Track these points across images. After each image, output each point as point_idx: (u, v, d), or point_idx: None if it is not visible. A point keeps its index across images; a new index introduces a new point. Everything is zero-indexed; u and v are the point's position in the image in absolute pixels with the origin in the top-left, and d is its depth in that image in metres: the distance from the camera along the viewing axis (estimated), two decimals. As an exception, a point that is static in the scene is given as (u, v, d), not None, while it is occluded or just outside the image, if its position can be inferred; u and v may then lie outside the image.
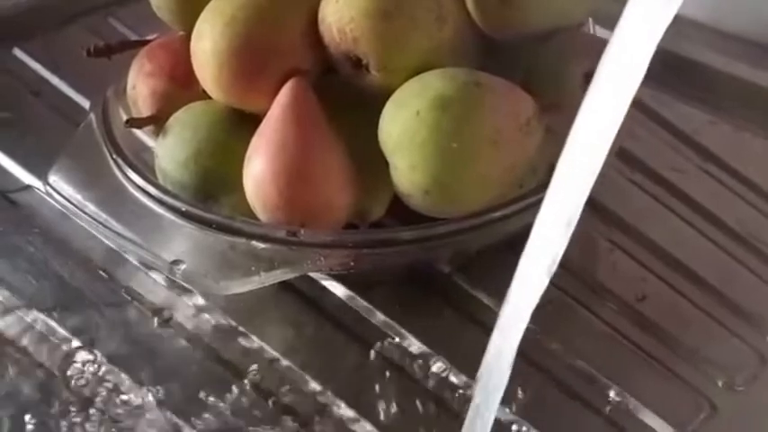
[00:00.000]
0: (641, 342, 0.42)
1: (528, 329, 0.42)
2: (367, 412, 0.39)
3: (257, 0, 0.40)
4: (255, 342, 0.42)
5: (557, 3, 0.43)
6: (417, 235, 0.39)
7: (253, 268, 0.37)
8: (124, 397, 0.40)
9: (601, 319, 0.43)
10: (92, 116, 0.45)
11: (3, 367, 0.40)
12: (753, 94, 0.57)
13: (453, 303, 0.44)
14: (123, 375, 0.40)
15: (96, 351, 0.41)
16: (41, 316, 0.43)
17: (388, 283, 0.44)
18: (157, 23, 0.46)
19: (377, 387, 0.40)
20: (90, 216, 0.40)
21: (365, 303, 0.43)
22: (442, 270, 0.45)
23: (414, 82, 0.39)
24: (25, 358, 0.41)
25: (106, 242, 0.43)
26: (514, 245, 0.45)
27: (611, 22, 0.48)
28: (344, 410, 0.39)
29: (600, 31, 0.47)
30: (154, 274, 0.44)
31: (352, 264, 0.39)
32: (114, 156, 0.43)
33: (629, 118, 0.26)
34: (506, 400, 0.35)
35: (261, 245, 0.38)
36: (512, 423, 0.38)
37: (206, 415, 0.39)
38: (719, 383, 0.40)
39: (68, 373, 0.40)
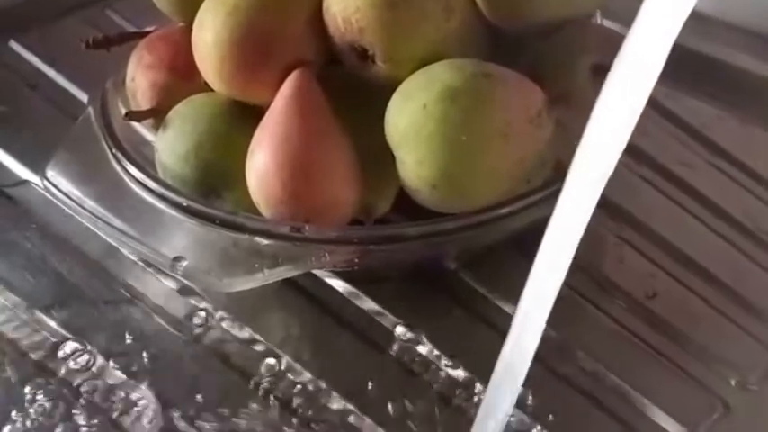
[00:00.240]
0: (652, 340, 0.41)
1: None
2: (372, 411, 0.38)
3: (260, -11, 0.39)
4: (257, 339, 0.41)
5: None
6: (424, 231, 0.38)
7: (256, 265, 0.37)
8: (122, 395, 0.39)
9: (610, 317, 0.43)
10: (90, 109, 0.44)
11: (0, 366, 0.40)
12: (760, 87, 0.56)
13: (460, 301, 0.43)
14: (121, 374, 0.39)
15: (95, 349, 0.40)
16: (39, 313, 0.42)
17: (394, 280, 0.44)
18: (155, 15, 0.45)
19: (383, 385, 0.39)
20: (89, 212, 0.40)
21: (370, 301, 0.42)
22: (449, 267, 0.44)
23: (421, 74, 0.38)
24: (23, 357, 0.40)
25: (105, 238, 0.42)
26: (521, 241, 0.44)
27: (617, 15, 0.48)
28: (349, 409, 0.38)
29: (606, 24, 0.47)
30: (154, 271, 0.43)
31: (356, 260, 0.39)
32: (113, 150, 0.42)
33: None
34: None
35: (264, 241, 0.37)
36: (519, 422, 0.37)
37: (205, 414, 0.38)
38: (732, 382, 0.39)
39: (66, 372, 0.39)
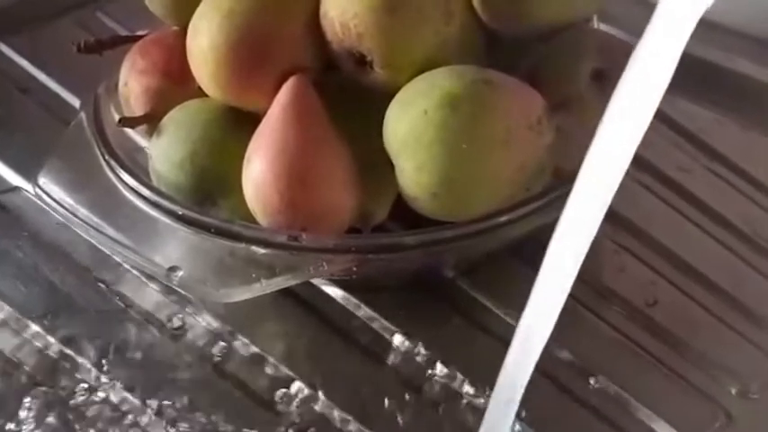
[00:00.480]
0: (652, 348, 0.41)
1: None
2: (371, 422, 0.38)
3: (256, -6, 0.38)
4: (254, 349, 0.40)
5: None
6: (423, 239, 0.38)
7: (253, 275, 0.36)
8: (117, 406, 0.38)
9: (610, 325, 0.42)
10: (82, 115, 0.44)
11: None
12: (759, 91, 0.56)
13: (459, 309, 0.42)
14: (117, 385, 0.39)
15: (88, 360, 0.40)
16: (31, 324, 0.41)
17: (391, 289, 0.43)
18: (148, 18, 0.45)
19: (380, 396, 0.39)
20: (82, 220, 0.39)
21: (368, 309, 0.42)
22: (447, 275, 0.43)
23: (420, 80, 0.37)
24: (15, 368, 0.39)
25: (99, 247, 0.42)
26: (519, 249, 0.44)
27: (614, 19, 0.47)
28: (348, 420, 0.38)
29: (603, 28, 0.46)
30: (148, 280, 0.43)
31: (355, 269, 0.38)
32: (106, 156, 0.42)
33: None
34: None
35: (261, 250, 0.37)
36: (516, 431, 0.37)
37: (202, 420, 0.37)
38: (733, 391, 0.39)
39: (61, 384, 0.39)
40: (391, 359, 0.40)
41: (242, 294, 0.36)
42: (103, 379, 0.39)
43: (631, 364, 0.41)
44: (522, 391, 0.28)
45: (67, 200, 0.40)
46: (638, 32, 0.42)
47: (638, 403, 0.39)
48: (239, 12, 0.38)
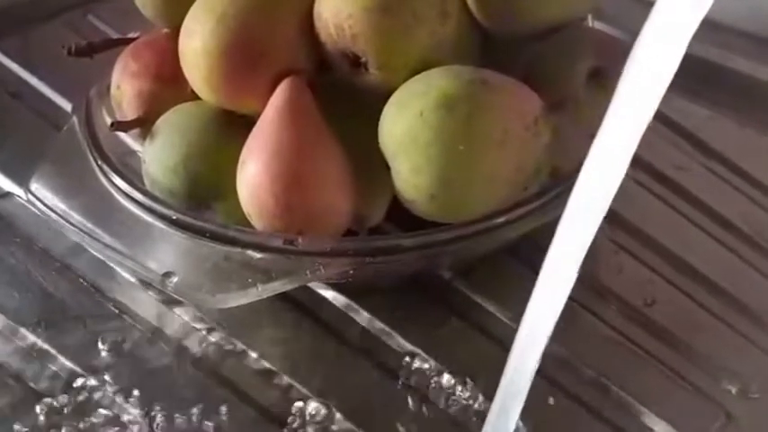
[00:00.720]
0: (651, 348, 0.41)
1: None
2: (369, 425, 0.37)
3: (249, -4, 0.38)
4: (249, 355, 0.40)
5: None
6: (420, 242, 0.37)
7: (249, 280, 0.36)
8: (111, 414, 0.37)
9: (608, 325, 0.42)
10: (74, 119, 0.43)
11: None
12: (753, 88, 0.55)
13: (456, 311, 0.42)
14: (113, 394, 0.38)
15: (83, 368, 0.39)
16: (25, 331, 0.40)
17: (387, 291, 0.43)
18: (139, 20, 0.45)
19: (379, 400, 0.38)
20: (75, 226, 0.38)
21: (364, 312, 0.41)
22: (443, 276, 0.43)
23: (416, 81, 0.37)
24: (9, 377, 0.39)
25: (93, 253, 0.41)
26: (516, 248, 0.44)
27: (609, 17, 0.47)
28: (346, 425, 0.37)
29: (598, 26, 0.46)
30: (142, 286, 0.42)
31: (351, 272, 0.38)
32: (99, 161, 0.41)
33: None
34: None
35: (257, 254, 0.36)
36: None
37: (201, 428, 0.37)
38: (733, 391, 0.39)
39: (55, 393, 0.38)
40: (389, 362, 0.40)
41: (238, 300, 0.36)
42: (99, 387, 0.38)
43: (630, 364, 0.40)
44: (524, 395, 0.28)
45: (60, 205, 0.39)
46: (633, 30, 0.41)
47: (637, 403, 0.38)
48: (232, 14, 0.37)
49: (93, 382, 0.39)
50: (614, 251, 0.46)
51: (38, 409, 0.38)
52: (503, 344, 0.40)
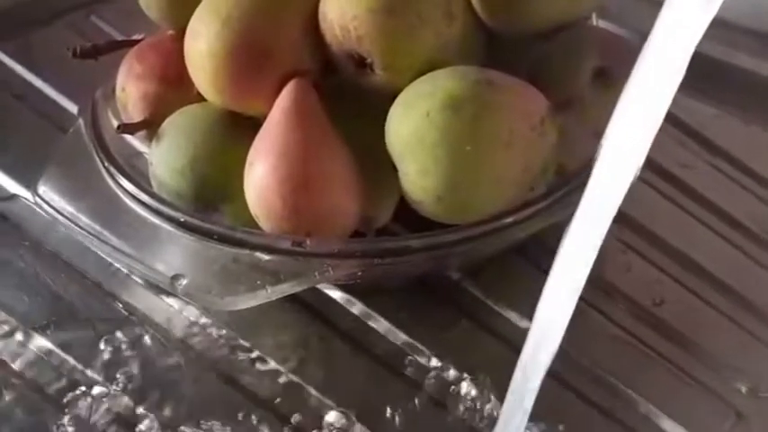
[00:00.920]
0: (660, 348, 0.41)
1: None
2: (380, 428, 0.37)
3: (255, -3, 0.38)
4: (260, 356, 0.40)
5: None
6: (428, 243, 0.37)
7: (258, 282, 0.35)
8: (122, 416, 0.37)
9: (617, 325, 0.42)
10: (80, 121, 0.43)
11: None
12: (758, 85, 0.55)
13: (465, 311, 0.42)
14: (121, 395, 0.38)
15: (93, 370, 0.39)
16: (35, 334, 0.40)
17: (395, 291, 0.43)
18: (143, 22, 0.44)
19: (387, 401, 0.38)
20: (83, 228, 0.38)
21: (373, 313, 0.41)
22: (451, 277, 0.43)
23: (422, 82, 0.37)
24: (19, 380, 0.39)
25: (101, 255, 0.41)
26: (523, 249, 0.44)
27: (614, 16, 0.47)
28: (356, 425, 0.37)
29: (603, 25, 0.46)
30: (151, 288, 0.42)
31: (359, 273, 0.38)
32: (106, 163, 0.41)
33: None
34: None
35: (265, 256, 0.36)
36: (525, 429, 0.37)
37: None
38: (743, 390, 0.39)
39: (64, 394, 0.38)
40: (399, 364, 0.40)
41: (247, 302, 0.36)
42: (108, 389, 0.38)
43: (639, 363, 0.40)
44: (534, 396, 0.28)
45: (68, 208, 0.39)
46: (637, 29, 0.41)
47: (647, 403, 0.38)
48: (237, 16, 0.37)
49: (101, 383, 0.39)
50: (622, 250, 0.45)
51: (46, 410, 0.37)
52: (512, 344, 0.40)
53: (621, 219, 0.47)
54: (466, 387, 0.39)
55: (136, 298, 0.42)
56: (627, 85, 0.24)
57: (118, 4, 0.58)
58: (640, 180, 0.49)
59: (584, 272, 0.26)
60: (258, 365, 0.40)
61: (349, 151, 0.37)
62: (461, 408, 0.38)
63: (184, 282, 0.36)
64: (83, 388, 0.38)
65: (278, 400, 0.38)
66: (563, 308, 0.27)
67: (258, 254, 0.36)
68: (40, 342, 0.40)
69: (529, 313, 0.41)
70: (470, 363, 0.39)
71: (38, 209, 0.40)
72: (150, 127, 0.42)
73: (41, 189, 0.40)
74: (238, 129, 0.39)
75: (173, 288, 0.36)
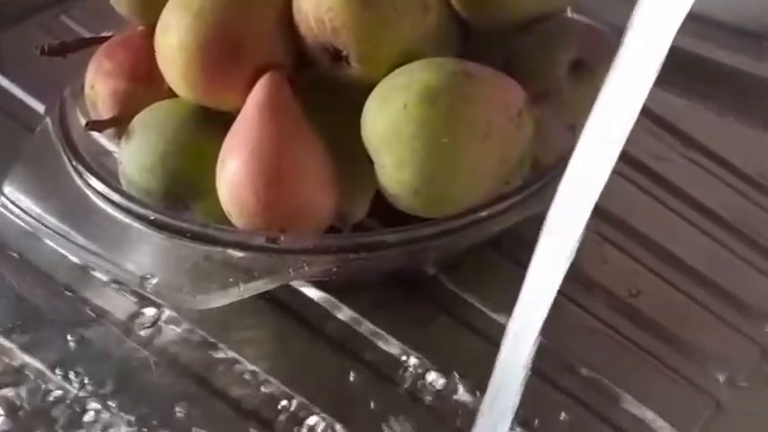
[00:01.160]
0: (638, 339, 0.41)
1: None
2: (357, 426, 0.37)
3: (226, -11, 0.37)
4: (232, 357, 0.39)
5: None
6: (404, 237, 0.37)
7: (231, 279, 0.35)
8: (90, 421, 0.37)
9: (593, 316, 0.42)
10: (48, 120, 0.42)
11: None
12: (730, 77, 0.56)
13: (441, 306, 0.42)
14: (93, 401, 0.37)
15: (59, 374, 0.38)
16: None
17: (370, 288, 0.42)
18: (112, 20, 0.44)
19: (366, 398, 0.38)
20: (50, 229, 0.37)
21: (349, 310, 0.41)
22: (427, 272, 0.43)
23: (398, 74, 0.36)
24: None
25: (69, 256, 0.40)
26: (498, 242, 0.44)
27: (588, 10, 0.47)
28: (334, 424, 0.37)
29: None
30: (119, 288, 0.41)
31: (335, 269, 0.37)
32: (74, 162, 0.40)
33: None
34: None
35: (238, 253, 0.36)
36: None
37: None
38: (721, 379, 0.39)
39: (31, 399, 0.37)
40: (375, 360, 0.39)
41: (220, 300, 0.35)
42: (76, 392, 0.38)
43: (617, 355, 0.40)
44: (518, 396, 0.28)
45: (35, 208, 0.38)
46: (611, 23, 0.42)
47: (625, 393, 0.38)
48: (209, 8, 0.36)
49: (69, 386, 0.38)
50: (598, 242, 0.45)
51: (12, 414, 0.36)
52: (489, 338, 0.40)
53: (597, 211, 0.46)
54: (445, 383, 0.38)
55: (104, 299, 0.41)
56: (606, 78, 0.23)
57: (88, 3, 0.57)
58: (615, 172, 0.49)
59: (563, 266, 0.26)
60: (230, 365, 0.39)
61: (324, 146, 0.36)
62: (439, 402, 0.38)
63: (154, 281, 0.35)
64: (49, 389, 0.37)
65: (250, 398, 0.38)
66: (541, 303, 0.26)
67: (231, 251, 0.36)
68: (5, 345, 0.39)
69: (506, 306, 0.41)
70: (448, 357, 0.39)
71: (3, 209, 0.39)
72: (119, 124, 0.41)
73: (7, 189, 0.39)
74: (210, 124, 0.39)
75: (143, 287, 0.35)
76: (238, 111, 0.37)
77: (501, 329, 0.40)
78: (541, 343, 0.39)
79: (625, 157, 0.49)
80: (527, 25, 0.41)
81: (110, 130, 0.42)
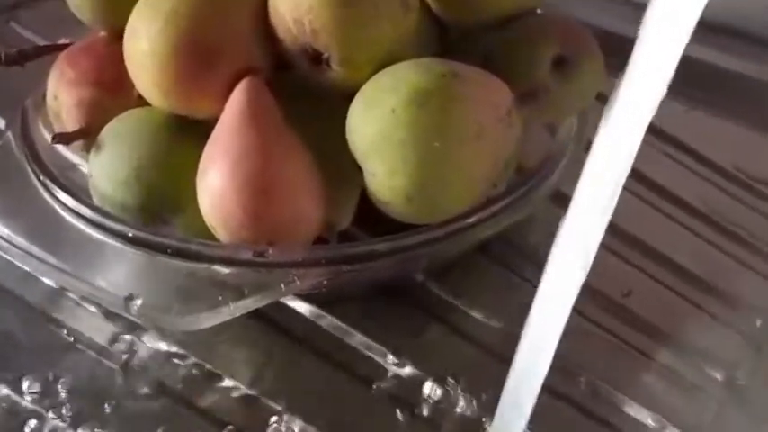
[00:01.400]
0: (633, 340, 0.40)
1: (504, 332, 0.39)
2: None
3: (199, -9, 0.35)
4: (219, 376, 0.37)
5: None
6: (395, 246, 0.36)
7: (220, 298, 0.33)
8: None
9: (587, 319, 0.41)
10: (9, 134, 0.40)
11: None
12: (701, 73, 0.56)
13: (434, 315, 0.40)
14: (68, 424, 0.35)
15: (35, 400, 0.36)
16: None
17: (358, 299, 0.41)
18: (66, 26, 0.42)
19: (360, 412, 0.36)
20: (21, 249, 0.35)
21: (338, 323, 0.39)
22: (416, 279, 0.41)
23: (383, 76, 0.35)
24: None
25: (40, 278, 0.38)
26: (485, 247, 0.43)
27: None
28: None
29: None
30: (95, 309, 0.39)
31: (325, 282, 0.35)
32: (41, 177, 0.38)
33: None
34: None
35: (225, 269, 0.34)
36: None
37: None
38: (719, 378, 0.38)
39: (8, 429, 0.35)
40: (374, 376, 0.38)
41: (210, 320, 0.33)
42: (53, 419, 0.35)
43: (614, 357, 0.39)
44: (530, 409, 0.27)
45: (2, 228, 0.36)
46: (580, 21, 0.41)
47: (625, 397, 0.38)
48: (182, 12, 0.35)
49: (47, 414, 0.35)
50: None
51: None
52: (484, 345, 0.39)
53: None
54: (439, 391, 0.37)
55: (79, 321, 0.39)
56: (617, 88, 0.23)
57: (38, 9, 0.55)
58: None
59: (580, 278, 0.25)
60: (217, 383, 0.37)
61: (310, 153, 0.35)
62: (434, 411, 0.36)
63: (139, 302, 0.33)
64: (27, 420, 0.35)
65: (240, 416, 0.36)
66: (558, 314, 0.25)
67: (217, 267, 0.34)
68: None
69: (497, 311, 0.40)
70: (442, 365, 0.38)
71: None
72: (87, 136, 0.39)
73: (-30, 209, 0.37)
74: (186, 133, 0.37)
75: (127, 310, 0.33)
76: (215, 118, 0.35)
77: (494, 334, 0.39)
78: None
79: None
80: (504, 23, 0.41)
81: (77, 143, 0.40)
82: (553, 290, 0.26)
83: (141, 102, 0.38)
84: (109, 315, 0.39)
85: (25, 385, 0.36)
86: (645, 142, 0.52)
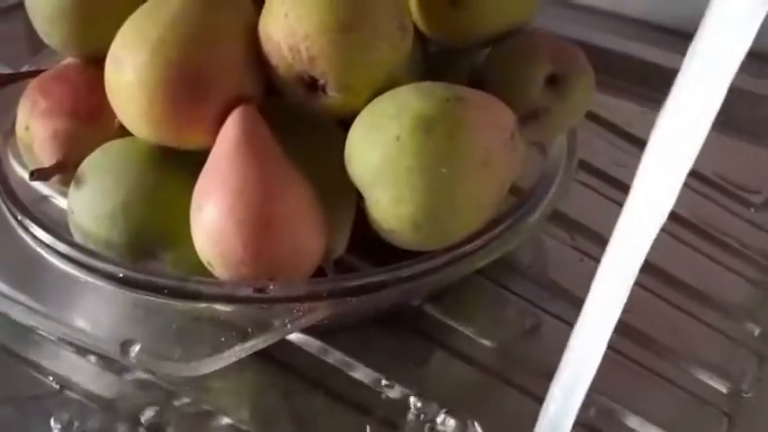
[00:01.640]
0: (636, 356, 0.39)
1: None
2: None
3: (187, 18, 0.33)
4: (216, 413, 0.36)
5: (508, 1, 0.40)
6: (398, 275, 0.35)
7: (223, 339, 0.31)
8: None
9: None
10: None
11: None
12: (671, 78, 0.56)
13: (434, 340, 0.39)
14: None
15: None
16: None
17: (356, 328, 0.39)
18: (29, 52, 0.39)
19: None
20: (2, 295, 0.33)
21: (339, 353, 0.38)
22: (412, 303, 0.40)
23: (383, 101, 0.34)
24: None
25: (22, 323, 0.35)
26: (481, 268, 0.42)
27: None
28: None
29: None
30: (81, 354, 0.37)
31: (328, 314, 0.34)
32: (18, 216, 0.36)
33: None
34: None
35: (225, 308, 0.32)
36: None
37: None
38: (725, 391, 0.38)
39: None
40: (378, 407, 0.36)
41: (214, 364, 0.31)
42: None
43: (619, 374, 0.39)
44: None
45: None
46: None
47: (632, 415, 0.37)
48: (170, 40, 0.33)
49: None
50: (579, 259, 0.44)
51: None
52: (481, 366, 0.38)
53: (573, 226, 0.46)
54: (451, 422, 0.36)
55: (66, 367, 0.36)
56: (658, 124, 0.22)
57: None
58: (581, 184, 0.49)
59: (614, 318, 0.24)
60: (216, 423, 0.35)
61: (309, 184, 0.33)
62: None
63: (137, 348, 0.31)
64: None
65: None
66: (593, 353, 0.25)
67: (217, 306, 0.32)
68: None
69: (494, 331, 0.39)
70: (444, 390, 0.37)
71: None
72: (65, 170, 0.37)
73: (-58, 254, 0.34)
74: (174, 165, 0.35)
75: (124, 358, 0.31)
76: (206, 149, 0.34)
77: (489, 354, 0.39)
78: (538, 366, 0.38)
79: (587, 167, 0.49)
80: (494, 42, 0.40)
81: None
82: (588, 334, 0.25)
83: (121, 132, 0.36)
84: (93, 358, 0.36)
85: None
86: (626, 152, 0.52)
